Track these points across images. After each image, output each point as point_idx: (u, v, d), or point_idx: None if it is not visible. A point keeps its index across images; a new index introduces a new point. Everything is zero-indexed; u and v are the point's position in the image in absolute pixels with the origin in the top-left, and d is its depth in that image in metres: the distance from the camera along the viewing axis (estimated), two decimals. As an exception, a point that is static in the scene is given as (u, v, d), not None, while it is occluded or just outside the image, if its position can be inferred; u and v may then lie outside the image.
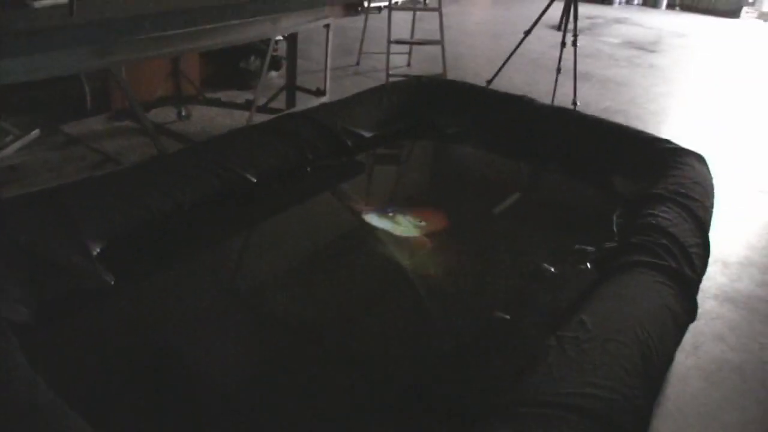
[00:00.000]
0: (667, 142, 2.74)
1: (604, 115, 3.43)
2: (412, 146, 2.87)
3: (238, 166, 2.22)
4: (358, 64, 5.05)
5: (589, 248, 2.21)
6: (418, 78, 3.20)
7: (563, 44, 3.83)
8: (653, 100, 5.04)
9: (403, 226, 2.28)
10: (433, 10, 4.48)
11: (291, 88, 3.32)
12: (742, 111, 5.20)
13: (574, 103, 3.79)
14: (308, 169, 2.48)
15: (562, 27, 3.85)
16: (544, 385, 1.41)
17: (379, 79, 4.84)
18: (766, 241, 3.02)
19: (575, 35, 3.69)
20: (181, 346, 1.66)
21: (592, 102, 4.59)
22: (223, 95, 3.74)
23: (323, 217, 2.38)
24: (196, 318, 1.74)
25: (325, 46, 3.21)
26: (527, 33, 3.97)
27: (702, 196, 2.38)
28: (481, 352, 1.80)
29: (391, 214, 2.33)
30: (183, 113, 3.38)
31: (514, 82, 4.78)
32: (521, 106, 3.06)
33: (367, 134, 2.75)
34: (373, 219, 2.29)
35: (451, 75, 4.42)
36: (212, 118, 3.50)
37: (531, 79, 5.03)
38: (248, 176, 2.23)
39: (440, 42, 4.31)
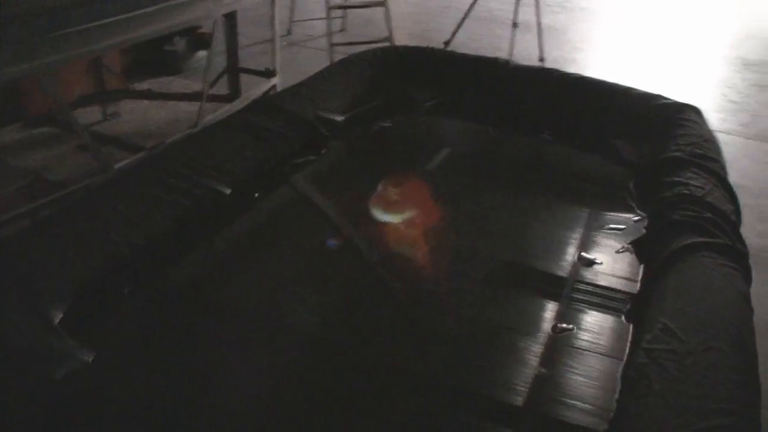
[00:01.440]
0: (661, 97, 2.56)
1: (556, 66, 3.25)
2: (393, 125, 2.55)
3: (207, 177, 1.84)
4: (289, 33, 4.61)
5: (620, 227, 2.01)
6: (383, 48, 2.86)
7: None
8: (596, 46, 4.93)
9: (405, 216, 2.01)
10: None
11: (234, 70, 2.89)
12: (679, 45, 5.20)
13: (541, 59, 3.57)
14: (287, 169, 2.12)
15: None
16: (660, 418, 1.19)
17: (317, 48, 4.46)
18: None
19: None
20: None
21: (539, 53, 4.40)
22: (152, 84, 3.26)
23: (317, 225, 2.04)
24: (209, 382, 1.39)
25: (271, 18, 2.79)
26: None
27: (717, 155, 2.23)
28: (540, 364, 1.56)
29: (389, 206, 2.04)
30: (110, 111, 2.89)
31: (459, 38, 4.51)
32: (497, 69, 2.80)
33: (340, 118, 2.42)
34: (373, 214, 1.99)
35: (398, 39, 4.08)
36: (145, 113, 3.03)
37: (475, 34, 4.77)
38: (221, 188, 1.86)
39: (384, 3, 3.95)
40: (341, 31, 4.71)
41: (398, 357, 1.49)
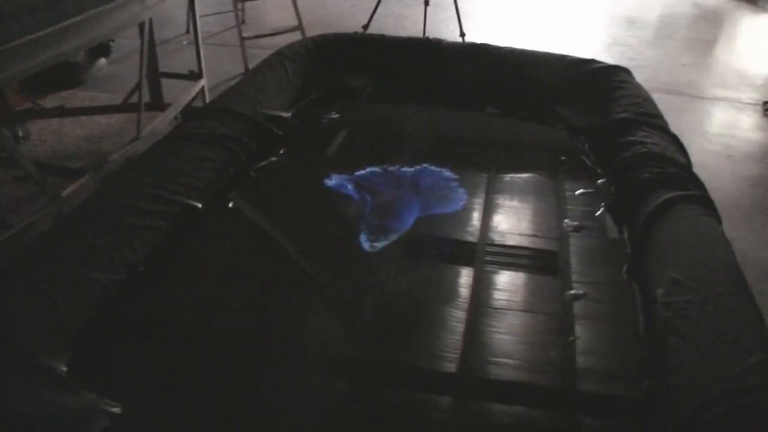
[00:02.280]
0: (593, 61, 2.67)
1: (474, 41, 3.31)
2: (341, 116, 2.48)
3: (178, 194, 1.70)
4: (188, 32, 4.35)
5: (588, 190, 2.08)
6: (314, 38, 2.75)
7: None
8: (497, 17, 5.06)
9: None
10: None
11: (155, 76, 2.68)
12: (572, 10, 5.45)
13: (462, 35, 3.60)
14: (253, 174, 2.01)
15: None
16: (702, 364, 1.24)
17: (221, 44, 4.26)
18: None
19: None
20: None
21: (446, 30, 4.45)
22: (54, 100, 2.96)
23: (308, 229, 1.92)
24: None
25: (189, 17, 2.60)
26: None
27: (657, 111, 2.35)
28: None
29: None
30: (20, 133, 2.59)
31: (359, 20, 4.47)
32: (429, 49, 2.79)
33: (286, 114, 2.31)
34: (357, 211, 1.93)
35: (308, 26, 3.97)
36: (59, 132, 2.75)
37: (382, 15, 4.72)
38: (193, 204, 1.73)
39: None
40: (242, 23, 4.51)
41: (327, 341, 1.47)
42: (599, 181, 2.10)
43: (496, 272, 1.71)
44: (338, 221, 1.92)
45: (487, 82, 2.66)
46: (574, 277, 1.70)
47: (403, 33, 4.29)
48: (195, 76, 2.74)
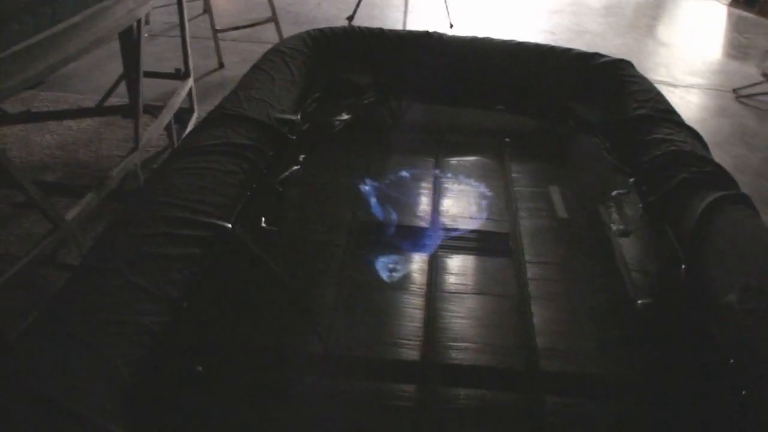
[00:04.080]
0: (598, 55, 2.62)
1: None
2: (352, 117, 2.34)
3: (208, 216, 1.53)
4: (147, 23, 4.06)
5: (622, 191, 2.03)
6: (311, 33, 2.58)
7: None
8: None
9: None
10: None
11: (135, 75, 2.45)
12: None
13: (451, 25, 3.49)
14: (278, 187, 1.85)
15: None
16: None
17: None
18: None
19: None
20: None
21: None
22: (12, 103, 2.66)
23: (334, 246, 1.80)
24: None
25: (180, 8, 2.37)
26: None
27: (671, 106, 2.33)
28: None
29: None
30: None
31: (325, 9, 4.32)
32: (432, 43, 2.68)
33: (295, 117, 2.16)
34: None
35: (283, 18, 3.77)
36: (24, 139, 2.48)
37: (343, 3, 4.57)
38: (221, 223, 1.57)
39: (264, -19, 3.60)
40: (203, 13, 4.24)
41: (286, 335, 1.46)
42: (630, 180, 2.06)
43: (450, 257, 1.71)
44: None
45: (493, 77, 2.58)
46: (528, 257, 1.74)
47: (377, 23, 4.13)
48: (182, 75, 2.52)
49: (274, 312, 1.55)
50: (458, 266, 1.69)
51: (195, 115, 2.62)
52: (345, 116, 2.34)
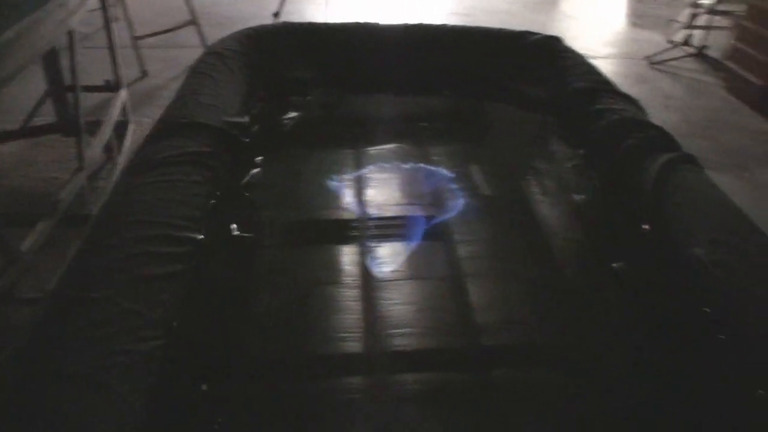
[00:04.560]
0: (529, 33, 2.70)
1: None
2: (302, 115, 2.30)
3: (182, 230, 1.48)
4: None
5: (575, 162, 2.11)
6: (246, 32, 2.51)
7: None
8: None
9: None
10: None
11: (59, 90, 2.31)
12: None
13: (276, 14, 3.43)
14: (245, 193, 1.81)
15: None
16: None
17: (92, 46, 3.79)
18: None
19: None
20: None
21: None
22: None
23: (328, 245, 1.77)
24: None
25: (106, 19, 2.25)
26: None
27: (606, 77, 2.45)
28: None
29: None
30: None
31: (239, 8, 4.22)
32: (368, 33, 2.68)
33: (244, 119, 2.11)
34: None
35: (200, 20, 3.64)
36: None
37: (257, 1, 4.48)
38: (197, 236, 1.51)
39: (180, -18, 3.46)
40: (115, 20, 4.04)
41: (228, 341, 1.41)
42: (580, 151, 2.14)
43: (380, 245, 1.71)
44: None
45: (435, 63, 2.61)
46: (456, 238, 1.77)
47: (299, 19, 4.08)
48: (112, 87, 2.39)
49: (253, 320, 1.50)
50: (389, 254, 1.69)
51: (131, 127, 2.50)
52: (293, 114, 2.30)
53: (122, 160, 2.29)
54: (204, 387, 1.24)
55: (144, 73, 3.33)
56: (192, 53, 3.63)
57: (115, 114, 2.21)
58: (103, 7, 2.12)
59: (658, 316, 1.53)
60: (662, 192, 1.76)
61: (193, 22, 3.54)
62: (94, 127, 2.21)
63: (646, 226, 1.76)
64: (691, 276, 1.54)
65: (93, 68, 2.64)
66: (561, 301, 1.60)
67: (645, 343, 1.47)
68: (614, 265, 1.66)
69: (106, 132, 2.07)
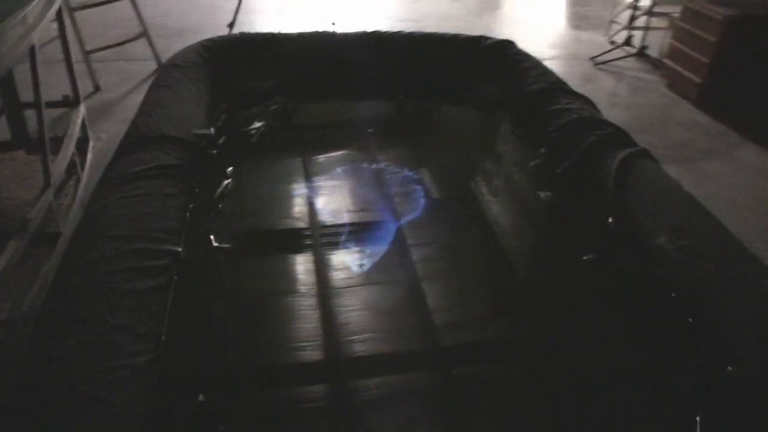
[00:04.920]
0: (483, 38, 2.78)
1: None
2: (267, 124, 2.30)
3: (162, 243, 1.47)
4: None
5: (538, 161, 2.19)
6: (204, 44, 2.49)
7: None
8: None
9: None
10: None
11: (17, 107, 2.25)
12: None
13: (333, 23, 3.51)
14: (219, 205, 1.80)
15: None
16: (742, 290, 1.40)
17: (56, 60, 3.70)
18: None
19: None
20: None
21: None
22: None
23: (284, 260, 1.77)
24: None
25: (61, 33, 2.20)
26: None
27: (559, 77, 2.54)
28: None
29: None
30: None
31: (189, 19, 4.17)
32: (326, 41, 2.71)
33: (210, 131, 2.10)
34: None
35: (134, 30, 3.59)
36: None
37: (206, 12, 4.44)
38: (176, 248, 1.51)
39: (129, -6, 3.40)
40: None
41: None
42: (542, 150, 2.22)
43: (334, 253, 1.73)
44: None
45: (391, 68, 2.65)
46: (410, 242, 1.79)
47: (252, 29, 4.09)
48: (71, 102, 2.33)
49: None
50: (343, 261, 1.69)
51: (91, 143, 2.45)
52: (258, 124, 2.30)
53: (85, 176, 2.24)
54: (201, 397, 1.24)
55: (96, 88, 3.25)
56: (144, 66, 3.60)
57: (76, 130, 2.16)
58: (59, 21, 2.06)
59: (628, 304, 1.61)
60: (623, 186, 1.85)
61: (145, 34, 3.48)
62: (54, 143, 2.15)
63: (611, 219, 1.84)
64: (656, 263, 1.64)
65: (44, 83, 2.57)
66: (521, 297, 1.64)
67: (614, 334, 1.54)
68: (585, 257, 1.74)
69: (69, 148, 2.03)
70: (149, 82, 3.41)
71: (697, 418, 1.26)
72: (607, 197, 1.88)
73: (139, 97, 3.24)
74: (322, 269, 1.65)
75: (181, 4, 4.85)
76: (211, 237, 1.68)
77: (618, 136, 2.05)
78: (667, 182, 1.84)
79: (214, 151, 2.04)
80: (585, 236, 1.84)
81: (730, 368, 1.33)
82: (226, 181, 1.92)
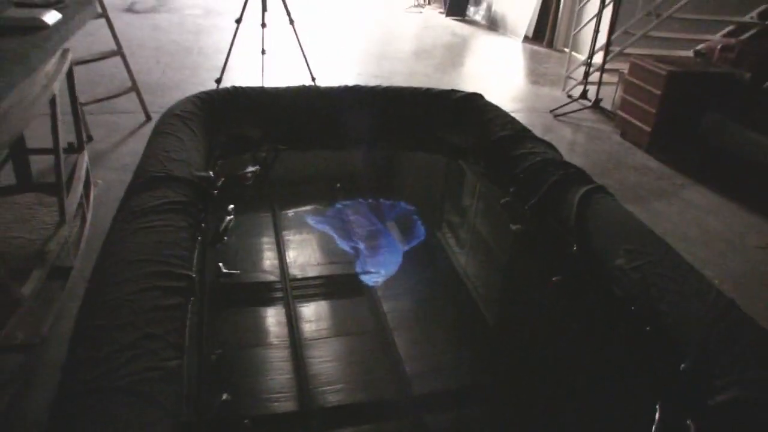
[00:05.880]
0: (454, 91, 3.06)
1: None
2: (261, 168, 2.49)
3: (180, 267, 1.64)
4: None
5: (506, 199, 2.42)
6: (200, 96, 2.70)
7: (263, 25, 3.70)
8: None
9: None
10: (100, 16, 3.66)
11: (23, 152, 2.40)
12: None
13: (313, 78, 3.76)
14: (225, 238, 1.97)
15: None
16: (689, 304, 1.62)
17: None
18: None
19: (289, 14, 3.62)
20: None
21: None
22: None
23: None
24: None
25: (69, 88, 2.38)
26: (239, 21, 3.68)
27: (523, 125, 2.82)
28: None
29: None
30: None
31: (169, 77, 4.37)
32: (311, 95, 2.94)
33: (210, 174, 2.28)
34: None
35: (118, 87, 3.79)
36: None
37: (186, 70, 4.68)
38: (188, 273, 1.67)
39: (119, 51, 3.61)
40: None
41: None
42: (511, 189, 2.46)
43: (306, 305, 1.76)
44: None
45: (370, 121, 2.89)
46: (380, 293, 1.84)
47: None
48: (74, 149, 2.50)
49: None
50: (315, 313, 1.73)
51: (93, 187, 2.60)
52: (252, 168, 2.50)
53: (90, 216, 2.39)
54: (225, 396, 1.37)
55: (89, 138, 3.41)
56: (132, 118, 3.79)
57: (83, 173, 2.32)
58: (69, 74, 2.25)
59: (594, 319, 1.82)
60: (584, 217, 2.09)
61: (134, 89, 3.68)
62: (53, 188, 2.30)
63: (575, 247, 2.07)
64: (616, 282, 1.86)
65: (31, 132, 2.72)
66: (479, 343, 1.69)
67: (583, 347, 1.71)
68: (554, 279, 1.95)
69: (78, 189, 2.18)
70: (137, 133, 3.64)
71: (657, 407, 1.46)
72: (571, 228, 2.12)
73: (127, 147, 3.45)
74: (293, 321, 1.67)
75: (160, 63, 5.08)
76: (220, 264, 1.84)
77: (578, 175, 2.31)
78: (622, 213, 2.08)
79: (215, 191, 2.21)
80: (553, 261, 2.06)
81: (683, 366, 1.54)
82: (228, 217, 2.09)
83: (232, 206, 2.16)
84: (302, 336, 1.61)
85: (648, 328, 1.70)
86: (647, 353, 1.66)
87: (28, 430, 1.62)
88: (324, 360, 1.54)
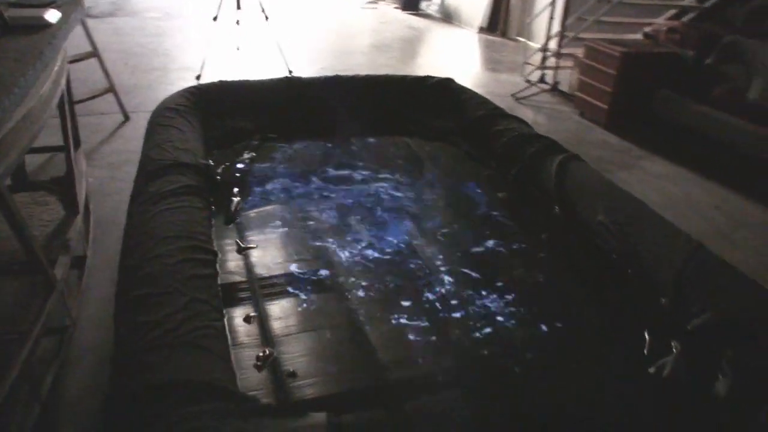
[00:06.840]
0: (430, 77, 3.24)
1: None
2: (258, 155, 2.61)
3: (206, 242, 1.77)
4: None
5: (489, 172, 2.61)
6: (190, 90, 2.80)
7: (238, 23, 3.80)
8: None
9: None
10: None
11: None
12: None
13: (290, 71, 3.88)
14: (236, 218, 2.10)
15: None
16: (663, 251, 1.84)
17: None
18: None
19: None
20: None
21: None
22: None
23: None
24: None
25: (66, 88, 2.44)
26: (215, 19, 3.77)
27: (495, 104, 3.02)
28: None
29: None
30: None
31: (138, 77, 4.43)
32: (293, 86, 3.07)
33: (208, 162, 2.40)
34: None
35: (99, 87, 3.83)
36: None
37: (156, 71, 4.72)
38: (212, 247, 1.81)
39: (95, 53, 3.66)
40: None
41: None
42: (493, 164, 2.65)
43: (274, 303, 1.74)
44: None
45: (352, 109, 3.03)
46: (347, 287, 1.82)
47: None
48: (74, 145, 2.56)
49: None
50: (284, 310, 1.71)
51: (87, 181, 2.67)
52: (249, 154, 2.62)
53: (92, 208, 2.47)
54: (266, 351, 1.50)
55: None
56: (110, 119, 3.83)
57: (84, 167, 2.40)
58: (67, 79, 2.32)
59: (580, 268, 2.02)
60: (562, 182, 2.30)
61: (111, 90, 3.73)
62: (53, 183, 2.36)
63: (557, 208, 2.28)
64: (598, 235, 2.07)
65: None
66: (446, 327, 1.69)
67: (571, 294, 1.90)
68: (543, 235, 2.15)
69: (83, 183, 2.27)
70: (117, 133, 3.69)
71: (645, 334, 1.67)
72: (551, 191, 2.32)
73: (111, 147, 3.52)
74: (262, 319, 1.67)
75: (128, 65, 5.09)
76: (237, 240, 1.97)
77: (553, 146, 2.52)
78: (595, 175, 2.30)
79: (219, 177, 2.33)
80: (538, 223, 2.26)
81: (663, 300, 1.76)
82: (236, 199, 2.21)
83: (237, 189, 2.28)
84: (273, 333, 1.62)
85: (630, 271, 1.92)
86: (631, 292, 1.87)
87: (73, 406, 1.72)
88: (296, 355, 1.56)
